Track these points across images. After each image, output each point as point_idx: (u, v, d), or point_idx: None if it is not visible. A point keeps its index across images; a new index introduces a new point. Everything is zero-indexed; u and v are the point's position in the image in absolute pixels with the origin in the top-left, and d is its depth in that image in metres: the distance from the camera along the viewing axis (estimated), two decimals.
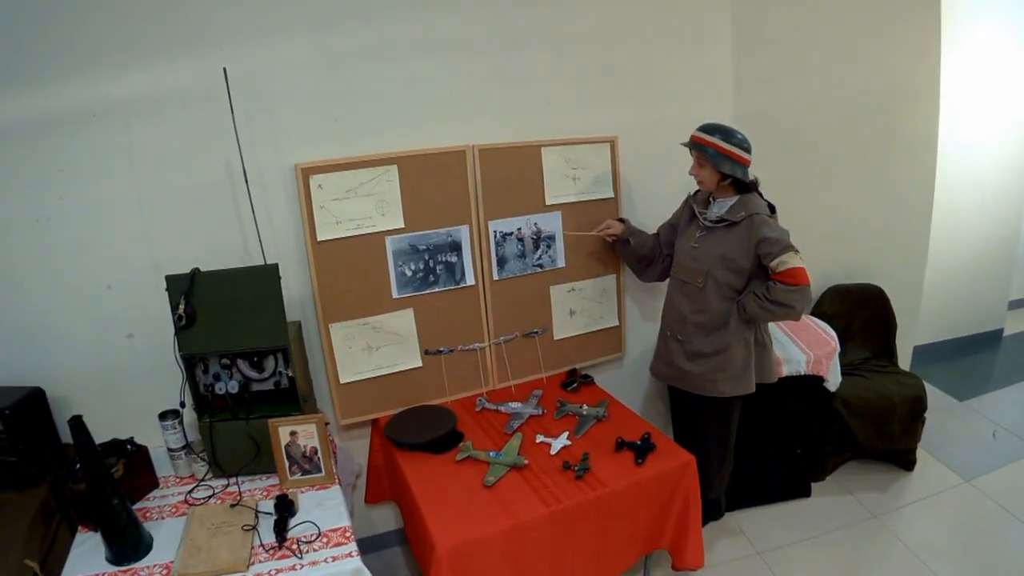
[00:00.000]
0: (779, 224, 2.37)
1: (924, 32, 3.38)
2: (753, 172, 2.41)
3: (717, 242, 2.43)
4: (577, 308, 2.94)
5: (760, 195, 2.44)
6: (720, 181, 2.41)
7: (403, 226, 2.52)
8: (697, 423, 2.66)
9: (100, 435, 1.91)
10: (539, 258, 2.80)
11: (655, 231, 2.77)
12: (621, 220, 2.77)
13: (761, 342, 2.56)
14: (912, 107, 3.48)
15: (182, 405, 2.13)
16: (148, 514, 2.02)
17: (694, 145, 2.40)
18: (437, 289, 2.64)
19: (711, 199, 2.52)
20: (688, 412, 2.72)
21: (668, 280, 2.69)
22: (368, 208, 2.45)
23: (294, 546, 1.84)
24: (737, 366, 2.48)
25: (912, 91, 3.45)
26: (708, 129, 2.38)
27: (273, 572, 1.76)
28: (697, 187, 2.55)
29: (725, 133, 2.35)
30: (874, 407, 3.15)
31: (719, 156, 2.34)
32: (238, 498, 2.05)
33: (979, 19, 3.97)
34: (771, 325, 2.71)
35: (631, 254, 2.76)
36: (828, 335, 3.11)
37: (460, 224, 2.62)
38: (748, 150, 2.37)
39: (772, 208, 2.42)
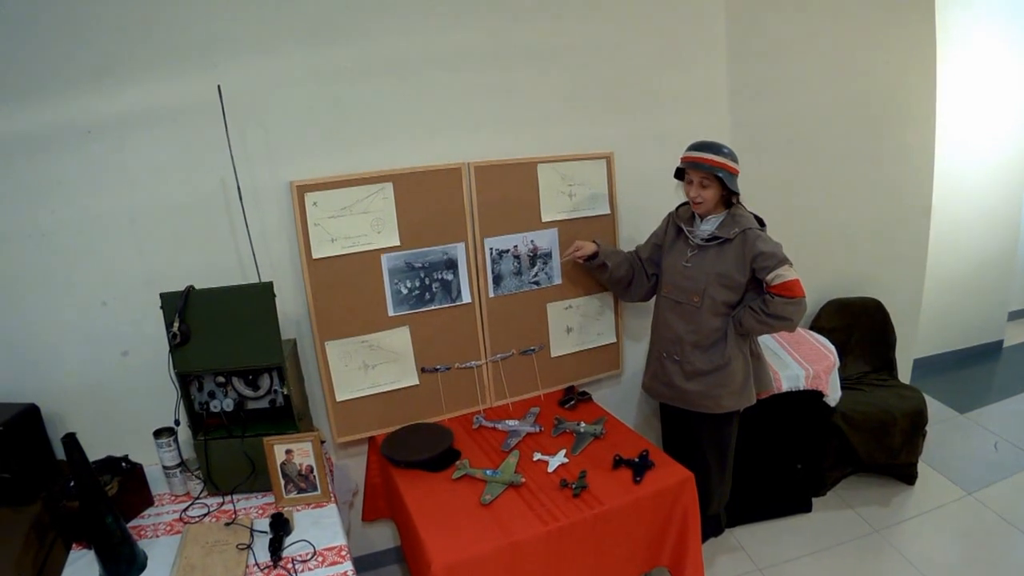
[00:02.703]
0: (770, 237, 2.36)
1: (920, 42, 3.40)
2: (746, 184, 2.40)
3: (712, 260, 2.40)
4: (574, 325, 2.93)
5: (742, 206, 2.43)
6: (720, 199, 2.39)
7: (399, 244, 2.52)
8: (693, 440, 2.63)
9: (95, 452, 1.90)
10: (535, 275, 2.79)
11: (631, 250, 2.73)
12: (593, 241, 2.69)
13: (755, 353, 2.56)
14: (909, 117, 3.49)
15: (177, 423, 2.12)
16: (142, 532, 2.01)
17: (701, 167, 2.32)
18: (433, 307, 2.64)
19: (698, 216, 2.48)
20: (683, 429, 2.67)
21: (656, 300, 2.66)
22: (363, 226, 2.46)
23: (289, 565, 1.82)
24: (738, 380, 2.47)
25: (908, 101, 3.47)
26: (711, 148, 2.32)
27: None
28: (677, 204, 2.55)
29: (720, 149, 2.32)
30: (874, 421, 3.14)
31: (731, 176, 2.31)
32: (233, 516, 2.04)
33: (974, 29, 3.98)
34: (766, 337, 2.69)
35: (609, 278, 2.70)
36: (827, 349, 3.10)
37: (456, 242, 2.62)
38: (737, 161, 2.36)
39: (760, 221, 2.41)
